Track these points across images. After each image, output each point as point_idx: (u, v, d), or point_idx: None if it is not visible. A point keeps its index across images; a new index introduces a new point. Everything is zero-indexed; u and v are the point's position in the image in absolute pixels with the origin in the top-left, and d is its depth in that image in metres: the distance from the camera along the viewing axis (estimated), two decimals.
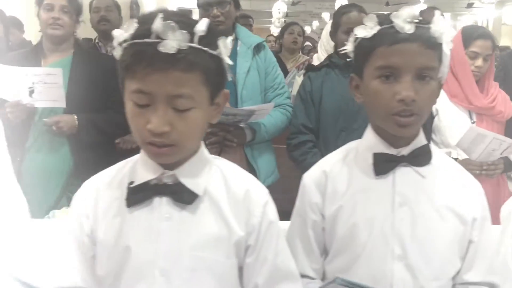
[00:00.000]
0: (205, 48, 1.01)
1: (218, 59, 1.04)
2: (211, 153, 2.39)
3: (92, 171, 2.69)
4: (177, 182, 1.08)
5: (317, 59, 3.55)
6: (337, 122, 2.48)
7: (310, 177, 1.32)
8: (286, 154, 2.68)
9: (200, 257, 1.07)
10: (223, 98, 1.10)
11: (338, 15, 2.59)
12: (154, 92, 0.99)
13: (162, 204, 1.08)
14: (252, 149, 2.54)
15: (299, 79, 3.51)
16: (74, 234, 1.14)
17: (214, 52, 1.03)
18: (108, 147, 2.83)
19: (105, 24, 3.40)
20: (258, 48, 2.61)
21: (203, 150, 1.14)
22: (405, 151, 1.23)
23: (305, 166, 2.48)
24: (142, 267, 1.06)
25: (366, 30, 1.21)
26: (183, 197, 1.08)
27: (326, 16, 13.94)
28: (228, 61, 1.06)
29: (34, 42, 2.99)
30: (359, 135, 2.42)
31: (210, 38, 1.02)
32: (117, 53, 1.07)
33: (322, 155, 2.48)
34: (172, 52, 0.97)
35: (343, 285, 0.91)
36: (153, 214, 1.08)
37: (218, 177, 1.14)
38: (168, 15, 1.00)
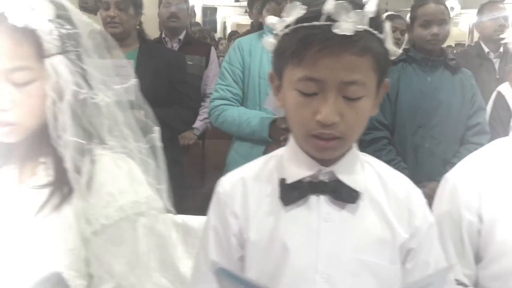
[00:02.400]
0: (375, 32, 0.94)
1: (383, 44, 0.97)
2: None
3: None
4: (335, 179, 1.01)
5: None
6: (414, 118, 2.42)
7: (462, 177, 1.23)
8: None
9: (364, 261, 0.99)
10: (384, 88, 1.02)
11: (414, 8, 2.51)
12: (325, 79, 0.92)
13: (320, 203, 1.00)
14: None
15: None
16: (217, 234, 1.06)
17: (381, 36, 0.96)
18: (174, 142, 2.80)
19: (174, 21, 3.35)
20: None
21: (355, 145, 1.07)
22: None
23: None
24: (302, 270, 0.98)
25: None
26: (344, 195, 1.00)
27: None
28: (394, 48, 0.99)
29: None
30: (437, 132, 2.41)
31: (378, 20, 0.95)
32: (274, 40, 1.02)
33: (397, 152, 2.46)
34: (349, 33, 0.89)
35: None
36: (311, 213, 1.00)
37: (373, 175, 1.07)
38: None
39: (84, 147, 1.03)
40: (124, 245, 1.03)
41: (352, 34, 0.90)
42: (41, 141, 1.05)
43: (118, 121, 1.07)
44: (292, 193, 1.01)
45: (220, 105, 2.48)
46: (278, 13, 2.60)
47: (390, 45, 0.98)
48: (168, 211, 1.13)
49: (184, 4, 3.44)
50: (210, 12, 13.24)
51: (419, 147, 2.42)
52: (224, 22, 16.08)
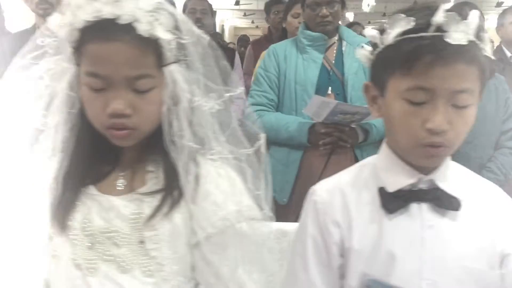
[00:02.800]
0: (479, 41, 0.98)
1: (485, 53, 1.00)
2: (323, 154, 2.39)
3: None
4: (434, 187, 1.04)
5: None
6: None
7: None
8: None
9: (467, 267, 1.02)
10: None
11: None
12: (436, 88, 0.95)
13: (422, 211, 1.03)
14: (362, 150, 2.50)
15: None
16: (316, 243, 1.08)
17: (483, 46, 0.99)
18: None
19: (200, 26, 3.35)
20: None
21: None
22: None
23: None
24: (408, 277, 1.01)
25: None
26: (445, 202, 1.03)
27: (350, 16, 13.90)
28: (492, 58, 1.02)
29: None
30: (473, 136, 2.40)
31: (480, 30, 0.99)
32: (367, 52, 1.06)
33: None
34: (463, 43, 0.94)
35: None
36: (414, 221, 1.03)
37: (466, 182, 1.10)
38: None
39: (194, 153, 1.06)
40: (228, 251, 1.06)
41: (465, 43, 0.94)
42: (150, 148, 1.07)
43: (223, 128, 1.09)
44: (396, 201, 1.03)
45: (256, 110, 2.50)
46: (313, 19, 2.62)
47: (490, 54, 1.01)
48: (270, 218, 1.14)
49: (209, 10, 3.46)
50: None
51: (455, 152, 2.43)
52: (222, 25, 16.13)
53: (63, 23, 0.99)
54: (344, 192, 1.09)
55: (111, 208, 1.04)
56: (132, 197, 1.05)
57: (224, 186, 1.08)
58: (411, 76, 0.96)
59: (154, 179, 1.07)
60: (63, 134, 1.03)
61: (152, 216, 1.02)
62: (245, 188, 1.10)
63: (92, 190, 1.06)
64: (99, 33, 0.97)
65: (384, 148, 1.10)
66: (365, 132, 2.45)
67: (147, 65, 0.99)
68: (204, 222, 1.04)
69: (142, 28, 0.96)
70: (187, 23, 1.05)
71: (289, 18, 3.35)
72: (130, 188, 1.07)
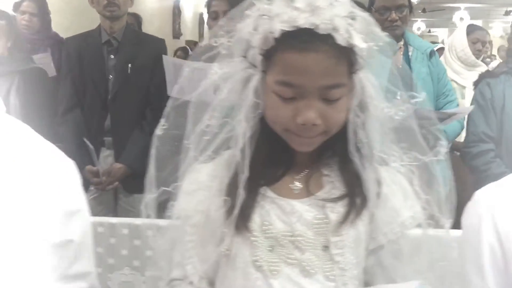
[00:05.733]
0: None
1: None
2: None
3: None
4: None
5: (445, 62, 3.50)
6: None
7: None
8: None
9: None
10: None
11: None
12: None
13: None
14: None
15: None
16: (493, 251, 1.04)
17: None
18: None
19: None
20: (430, 53, 2.57)
21: None
22: None
23: (489, 176, 2.42)
24: None
25: None
26: None
27: None
28: None
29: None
30: None
31: None
32: None
33: (506, 165, 2.45)
34: None
35: None
36: None
37: None
38: None
39: (375, 160, 1.02)
40: (403, 257, 1.03)
41: None
42: (325, 151, 1.04)
43: (404, 133, 1.05)
44: None
45: None
46: (381, 24, 2.58)
47: None
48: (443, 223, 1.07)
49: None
50: None
51: None
52: None
53: (255, 30, 0.95)
54: None
55: (292, 212, 1.00)
56: (311, 201, 1.02)
57: (399, 193, 1.05)
58: None
59: (330, 183, 1.03)
60: (247, 138, 0.98)
61: (341, 222, 0.99)
62: (413, 191, 1.05)
63: (269, 192, 1.02)
64: (296, 43, 0.92)
65: None
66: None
67: (341, 74, 0.95)
68: (386, 228, 1.02)
69: (340, 38, 0.92)
70: (374, 26, 0.99)
71: None
72: (307, 192, 1.03)
